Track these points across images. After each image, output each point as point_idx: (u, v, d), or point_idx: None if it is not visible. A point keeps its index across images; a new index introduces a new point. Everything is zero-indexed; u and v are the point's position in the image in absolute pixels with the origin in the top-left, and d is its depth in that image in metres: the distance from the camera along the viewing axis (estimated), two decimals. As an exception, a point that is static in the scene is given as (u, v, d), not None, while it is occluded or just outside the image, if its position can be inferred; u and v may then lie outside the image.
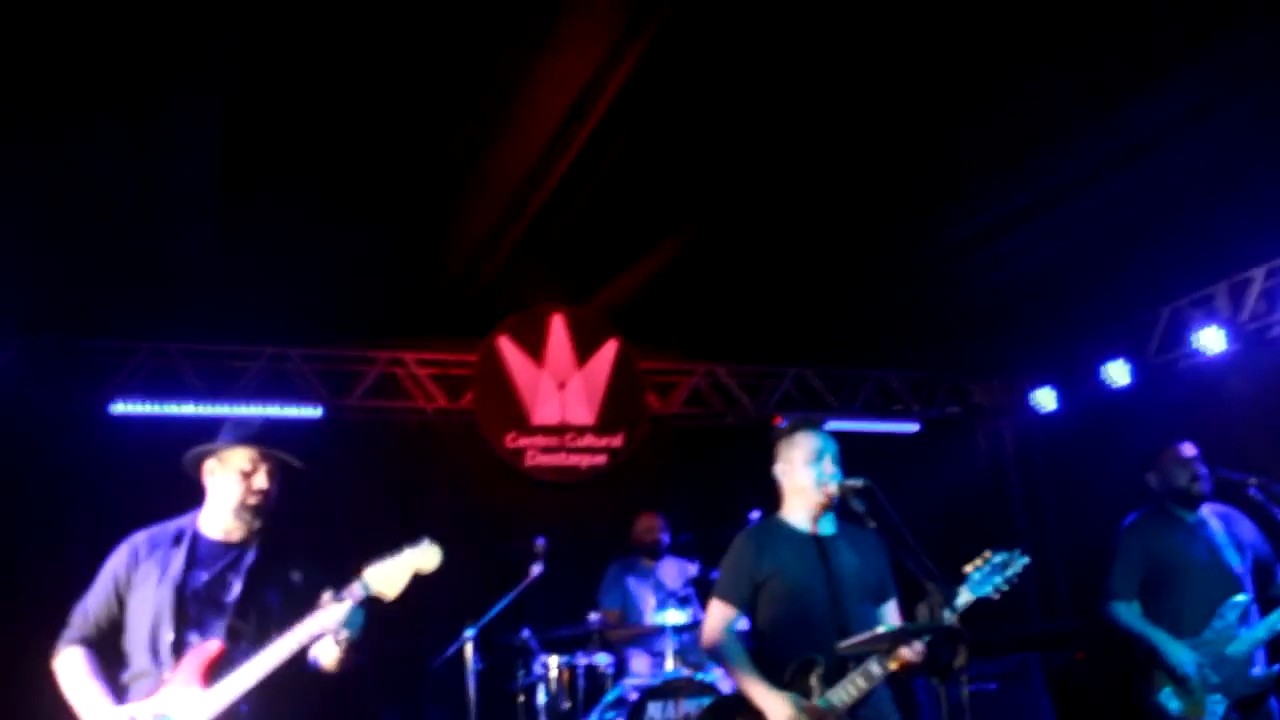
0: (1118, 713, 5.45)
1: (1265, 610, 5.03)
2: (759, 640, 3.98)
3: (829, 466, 3.99)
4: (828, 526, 4.03)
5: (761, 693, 3.73)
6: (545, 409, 8.09)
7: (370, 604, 3.49)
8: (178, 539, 3.59)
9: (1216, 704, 4.86)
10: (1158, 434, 5.52)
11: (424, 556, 3.56)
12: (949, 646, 3.59)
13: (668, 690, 5.91)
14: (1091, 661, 7.01)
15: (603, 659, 6.31)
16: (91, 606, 3.54)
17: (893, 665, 3.62)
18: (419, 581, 7.76)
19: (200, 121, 5.11)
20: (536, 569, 6.44)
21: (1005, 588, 3.70)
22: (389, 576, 3.50)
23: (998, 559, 3.74)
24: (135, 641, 3.46)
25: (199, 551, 3.57)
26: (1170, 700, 4.93)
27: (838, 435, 8.62)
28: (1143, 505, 5.38)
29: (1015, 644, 7.27)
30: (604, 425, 8.17)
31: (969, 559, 8.98)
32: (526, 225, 6.45)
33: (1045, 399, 8.62)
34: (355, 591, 3.45)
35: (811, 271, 7.54)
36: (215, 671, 3.36)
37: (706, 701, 5.95)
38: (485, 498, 7.92)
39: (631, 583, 6.96)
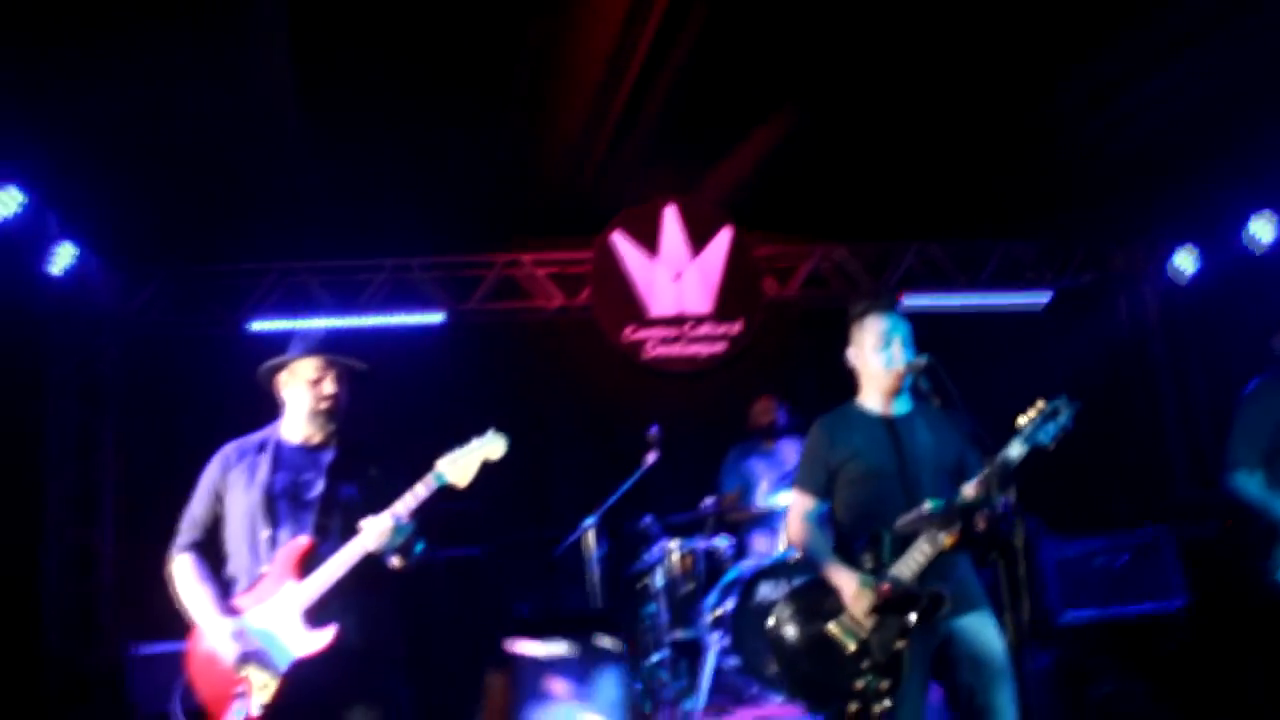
0: (1254, 588, 5.25)
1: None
2: (838, 525, 4.02)
3: (898, 350, 3.95)
4: (903, 406, 4.01)
5: (835, 571, 3.80)
6: (662, 300, 8.15)
7: (445, 492, 3.69)
8: (262, 447, 3.85)
9: None
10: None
11: (491, 446, 3.74)
12: (1007, 524, 3.55)
13: (778, 570, 6.04)
14: (1233, 533, 6.74)
15: (722, 542, 6.47)
16: (196, 513, 3.85)
17: (947, 541, 3.61)
18: (546, 475, 8.10)
19: (272, 44, 5.28)
20: (651, 457, 6.61)
21: (1060, 436, 3.60)
22: (460, 466, 3.68)
23: (1049, 408, 3.65)
24: (235, 540, 3.76)
25: (282, 456, 3.82)
26: None
27: (963, 313, 8.38)
28: (1270, 369, 5.09)
29: (1151, 515, 7.06)
30: (722, 313, 8.18)
31: (1109, 432, 8.69)
32: (620, 113, 6.41)
33: (1185, 261, 8.15)
34: (429, 482, 3.65)
35: (930, 139, 7.23)
36: (307, 564, 3.63)
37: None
38: (609, 391, 8.11)
39: (752, 465, 7.04)
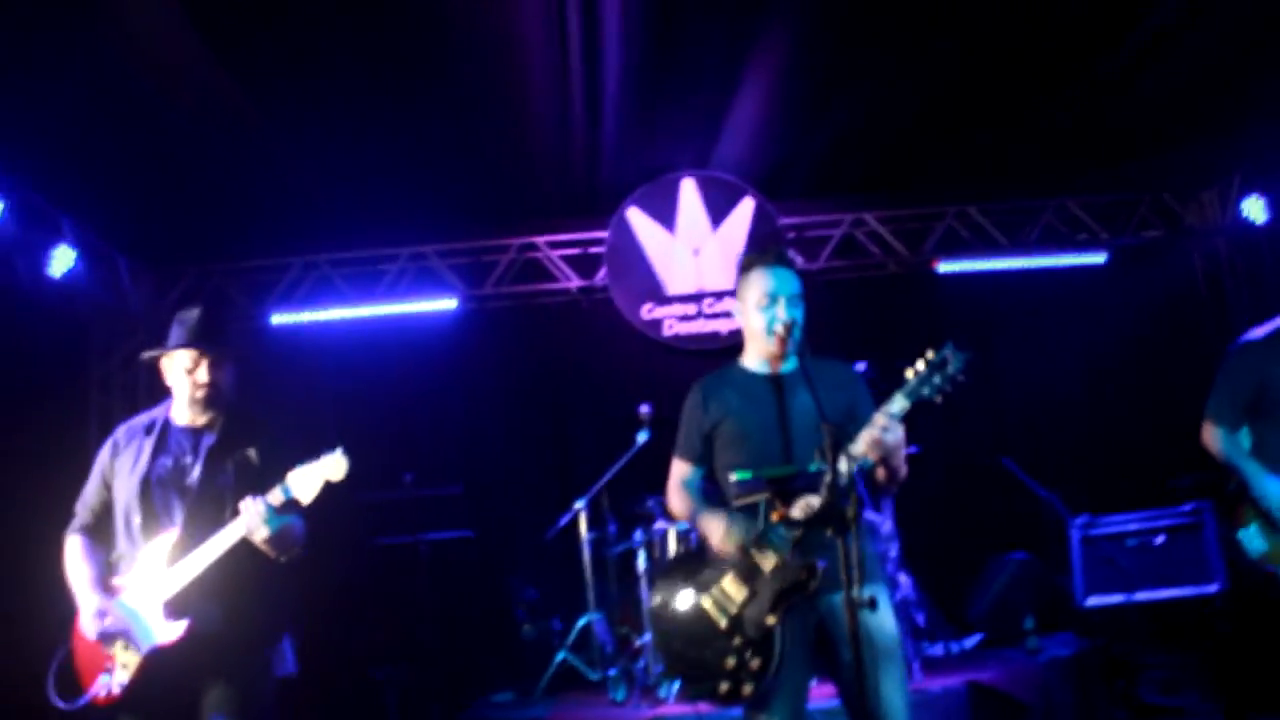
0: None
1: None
2: (722, 492, 3.78)
3: (782, 311, 3.67)
4: (787, 365, 3.73)
5: (706, 519, 3.56)
6: (680, 277, 7.93)
7: (295, 506, 3.66)
8: (149, 429, 3.90)
9: None
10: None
11: (334, 466, 3.67)
12: (844, 496, 3.24)
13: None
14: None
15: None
16: (87, 497, 3.94)
17: (774, 517, 3.34)
18: (566, 457, 7.96)
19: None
20: (642, 436, 6.43)
21: (948, 388, 3.32)
22: (306, 482, 3.64)
23: (936, 358, 3.32)
24: (118, 525, 3.82)
25: (168, 440, 3.88)
26: (1254, 539, 4.22)
27: (1011, 275, 7.76)
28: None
29: (1195, 491, 6.42)
30: (743, 288, 7.87)
31: (1179, 390, 8.05)
32: (582, 82, 6.21)
33: (1255, 209, 7.41)
34: (276, 495, 3.63)
35: (966, 90, 6.73)
36: (176, 553, 3.66)
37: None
38: (629, 372, 7.92)
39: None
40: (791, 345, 3.62)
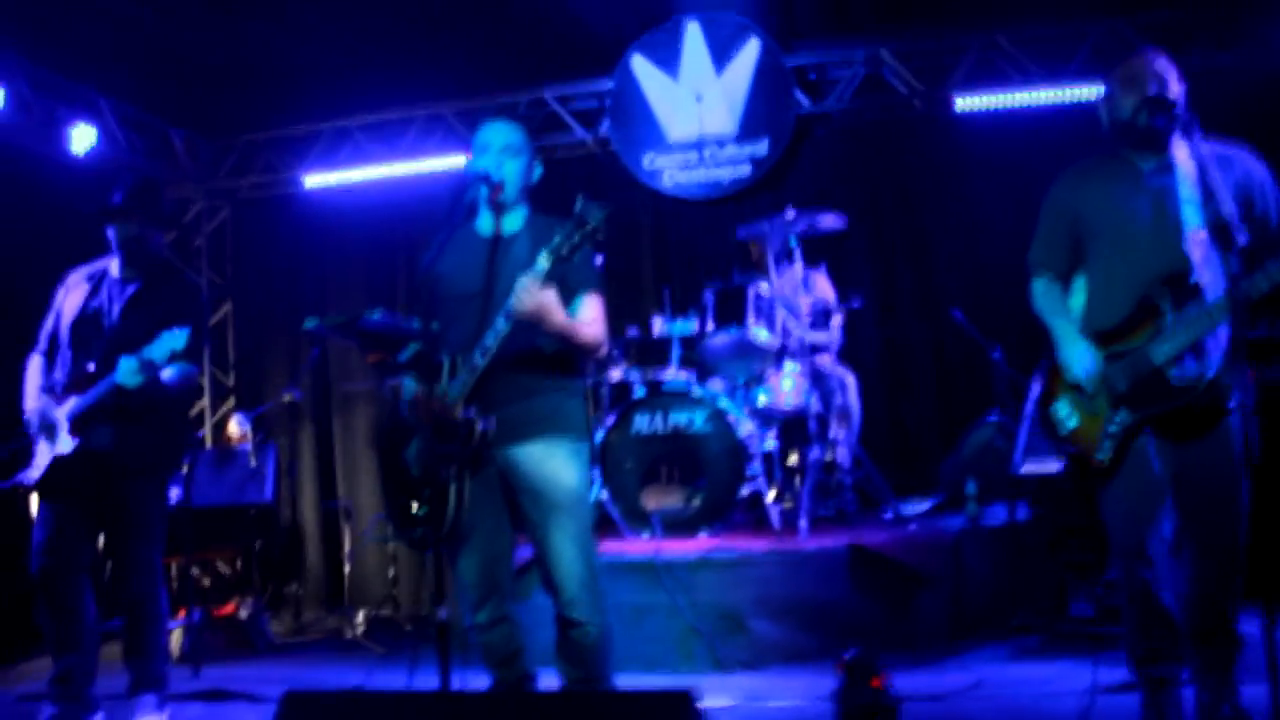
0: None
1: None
2: None
3: (486, 161, 3.73)
4: (513, 223, 3.79)
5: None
6: (682, 124, 7.73)
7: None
8: (92, 276, 4.63)
9: (1112, 424, 3.56)
10: None
11: (176, 339, 4.17)
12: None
13: (653, 402, 5.82)
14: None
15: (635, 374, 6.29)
16: (46, 326, 4.66)
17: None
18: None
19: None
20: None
21: (584, 244, 3.35)
22: (159, 348, 4.17)
23: (577, 213, 3.34)
24: (61, 353, 4.58)
25: (102, 287, 4.60)
26: (1065, 412, 3.71)
27: (1048, 112, 7.08)
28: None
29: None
30: (746, 134, 7.62)
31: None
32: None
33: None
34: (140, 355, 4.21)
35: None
36: (85, 384, 4.38)
37: (697, 415, 5.80)
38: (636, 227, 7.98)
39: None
40: (501, 197, 3.67)
